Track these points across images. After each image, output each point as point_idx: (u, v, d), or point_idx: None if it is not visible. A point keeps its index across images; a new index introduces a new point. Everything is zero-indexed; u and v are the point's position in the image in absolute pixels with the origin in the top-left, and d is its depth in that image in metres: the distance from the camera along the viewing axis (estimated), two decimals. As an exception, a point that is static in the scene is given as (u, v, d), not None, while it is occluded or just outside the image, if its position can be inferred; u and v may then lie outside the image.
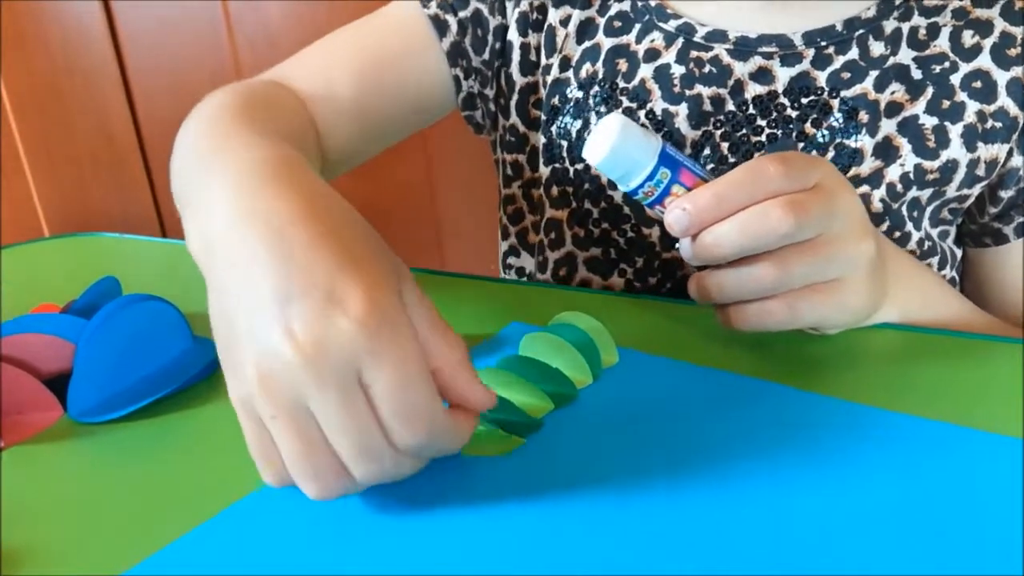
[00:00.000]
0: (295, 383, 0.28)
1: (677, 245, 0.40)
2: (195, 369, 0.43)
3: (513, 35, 0.59)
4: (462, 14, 0.59)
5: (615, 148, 0.38)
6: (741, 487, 0.32)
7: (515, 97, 0.60)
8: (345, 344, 0.28)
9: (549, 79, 0.58)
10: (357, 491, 0.31)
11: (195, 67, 1.20)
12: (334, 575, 0.29)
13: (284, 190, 0.33)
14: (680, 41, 0.54)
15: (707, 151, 0.53)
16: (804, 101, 0.51)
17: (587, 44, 0.57)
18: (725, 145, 0.52)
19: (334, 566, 0.29)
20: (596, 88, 0.56)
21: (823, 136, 0.51)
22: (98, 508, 0.34)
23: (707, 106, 0.53)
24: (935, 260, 0.54)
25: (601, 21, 0.57)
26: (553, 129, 0.58)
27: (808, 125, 0.51)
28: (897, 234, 0.51)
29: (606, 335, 0.42)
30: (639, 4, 0.57)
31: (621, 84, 0.55)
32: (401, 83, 0.59)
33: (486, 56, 0.60)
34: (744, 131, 0.52)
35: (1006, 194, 0.52)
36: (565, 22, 0.58)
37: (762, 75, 0.52)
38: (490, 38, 0.59)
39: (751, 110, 0.52)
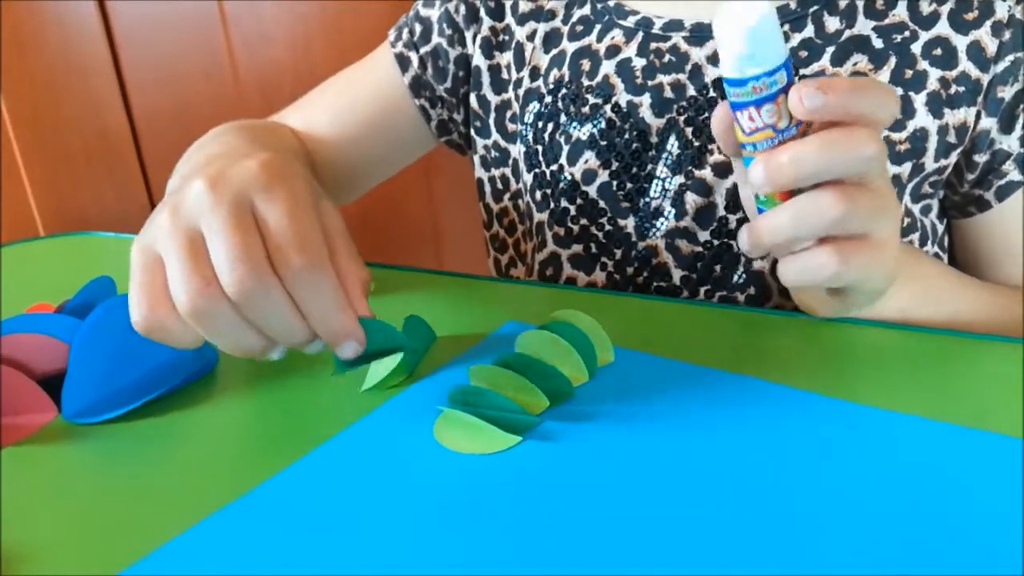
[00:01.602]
0: (195, 205, 0.33)
1: (747, 171, 0.37)
2: (191, 369, 0.43)
3: (479, 60, 0.62)
4: (424, 49, 0.64)
5: (759, 27, 0.35)
6: (737, 486, 0.31)
7: (492, 115, 0.63)
8: (243, 176, 0.34)
9: (521, 91, 0.61)
10: (224, 319, 0.33)
11: (191, 66, 1.20)
12: (330, 575, 0.28)
13: (250, 138, 0.44)
14: (640, 35, 0.56)
15: (672, 137, 0.54)
16: None
17: (553, 52, 0.60)
18: (689, 130, 0.54)
19: (329, 566, 0.29)
20: (564, 90, 0.58)
21: None
22: (93, 509, 0.33)
23: (668, 93, 0.54)
24: (915, 236, 0.54)
25: (565, 29, 0.60)
26: (529, 137, 0.60)
27: None
28: None
29: (602, 333, 0.42)
30: (598, 6, 0.59)
31: (586, 83, 0.57)
32: (377, 119, 0.65)
33: (448, 84, 0.64)
34: (707, 114, 0.53)
35: (981, 158, 0.53)
36: (531, 36, 0.61)
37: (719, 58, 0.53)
38: (451, 67, 0.64)
39: (711, 93, 0.53)
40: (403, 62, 0.64)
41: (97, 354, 0.41)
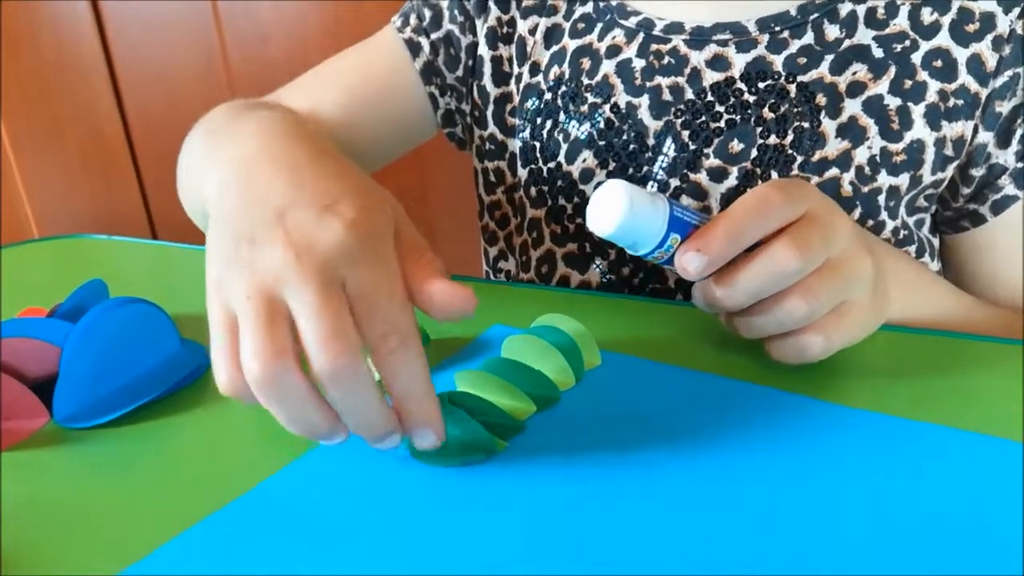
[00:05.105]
0: (278, 273, 0.30)
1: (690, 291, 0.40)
2: (183, 372, 0.43)
3: (483, 49, 0.62)
4: (435, 36, 0.63)
5: (623, 223, 0.36)
6: (726, 490, 0.32)
7: (491, 107, 0.63)
8: (333, 245, 0.30)
9: (521, 86, 0.61)
10: (295, 392, 0.30)
11: (185, 66, 1.20)
12: (316, 578, 0.29)
13: (298, 140, 0.38)
14: (640, 36, 0.56)
15: (669, 139, 0.54)
16: (761, 86, 0.52)
17: (554, 48, 0.60)
18: (686, 133, 0.54)
19: (319, 569, 0.29)
20: (564, 88, 0.58)
21: (781, 120, 0.52)
22: (86, 513, 0.34)
23: (667, 96, 0.54)
24: (912, 249, 0.54)
25: (567, 26, 0.60)
26: (526, 132, 0.60)
27: (766, 110, 0.52)
28: (870, 223, 0.52)
29: (588, 337, 0.42)
30: (600, 5, 0.59)
31: (585, 81, 0.57)
32: (383, 103, 0.63)
33: (460, 73, 0.63)
34: (703, 118, 0.53)
35: (977, 172, 0.53)
36: (533, 31, 0.61)
37: (718, 62, 0.54)
38: (463, 55, 0.63)
39: (709, 97, 0.53)
40: (414, 48, 0.63)
41: (89, 358, 0.41)
